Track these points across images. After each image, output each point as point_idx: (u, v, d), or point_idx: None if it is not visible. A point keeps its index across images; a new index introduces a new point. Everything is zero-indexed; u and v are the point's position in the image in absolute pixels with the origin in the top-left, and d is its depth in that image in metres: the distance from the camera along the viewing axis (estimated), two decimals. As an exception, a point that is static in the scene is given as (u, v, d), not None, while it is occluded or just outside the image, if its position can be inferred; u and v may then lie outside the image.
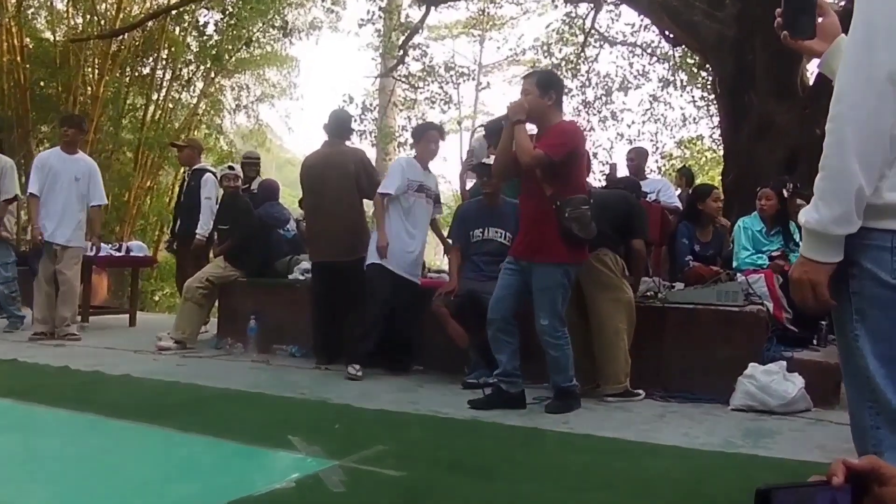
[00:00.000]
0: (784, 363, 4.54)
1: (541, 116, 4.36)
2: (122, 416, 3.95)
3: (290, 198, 12.65)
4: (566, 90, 15.55)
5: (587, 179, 4.64)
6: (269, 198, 7.39)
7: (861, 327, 1.63)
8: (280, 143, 24.75)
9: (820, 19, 1.76)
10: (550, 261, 4.28)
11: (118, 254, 8.61)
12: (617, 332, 4.74)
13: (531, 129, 4.44)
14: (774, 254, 5.55)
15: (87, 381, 4.97)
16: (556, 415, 4.26)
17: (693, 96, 15.38)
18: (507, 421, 4.06)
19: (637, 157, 7.93)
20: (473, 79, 22.48)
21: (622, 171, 7.54)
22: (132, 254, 8.70)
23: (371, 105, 15.62)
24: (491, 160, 5.69)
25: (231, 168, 7.19)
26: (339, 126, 6.09)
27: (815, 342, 5.24)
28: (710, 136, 15.87)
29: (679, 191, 8.08)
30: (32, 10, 14.21)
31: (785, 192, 5.75)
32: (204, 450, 3.47)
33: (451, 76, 15.72)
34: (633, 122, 16.03)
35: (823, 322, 5.18)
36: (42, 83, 13.74)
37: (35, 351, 6.14)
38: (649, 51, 14.91)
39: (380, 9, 14.27)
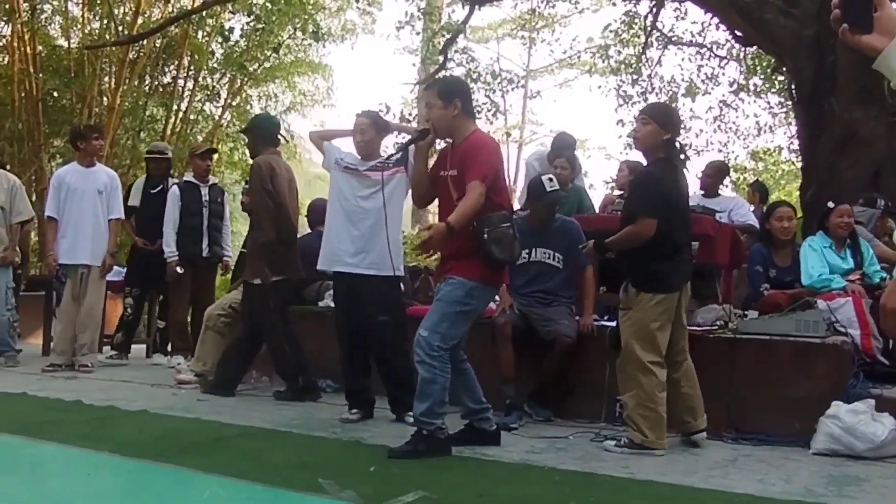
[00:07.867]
0: (872, 402, 4.44)
1: (450, 129, 4.31)
2: (138, 455, 4.00)
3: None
4: (627, 98, 15.60)
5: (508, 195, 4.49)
6: (321, 222, 6.71)
7: None
8: (309, 156, 25.01)
9: (876, 13, 1.74)
10: (456, 274, 4.11)
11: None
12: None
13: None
14: (852, 277, 5.45)
15: (100, 416, 5.05)
16: (617, 458, 4.18)
17: (769, 102, 15.26)
18: (561, 465, 4.03)
19: (714, 174, 7.70)
20: (522, 85, 22.56)
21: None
22: (151, 278, 8.79)
23: (410, 115, 15.68)
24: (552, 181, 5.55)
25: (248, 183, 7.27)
26: (272, 132, 6.27)
27: (907, 377, 5.13)
28: (788, 147, 15.73)
29: (753, 207, 7.97)
30: (46, 15, 14.55)
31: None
32: (225, 492, 3.50)
33: (499, 83, 15.74)
34: (701, 131, 15.96)
35: (918, 355, 5.07)
36: (55, 93, 14.06)
37: (45, 384, 6.28)
38: (720, 52, 14.82)
39: (419, 9, 14.37)
